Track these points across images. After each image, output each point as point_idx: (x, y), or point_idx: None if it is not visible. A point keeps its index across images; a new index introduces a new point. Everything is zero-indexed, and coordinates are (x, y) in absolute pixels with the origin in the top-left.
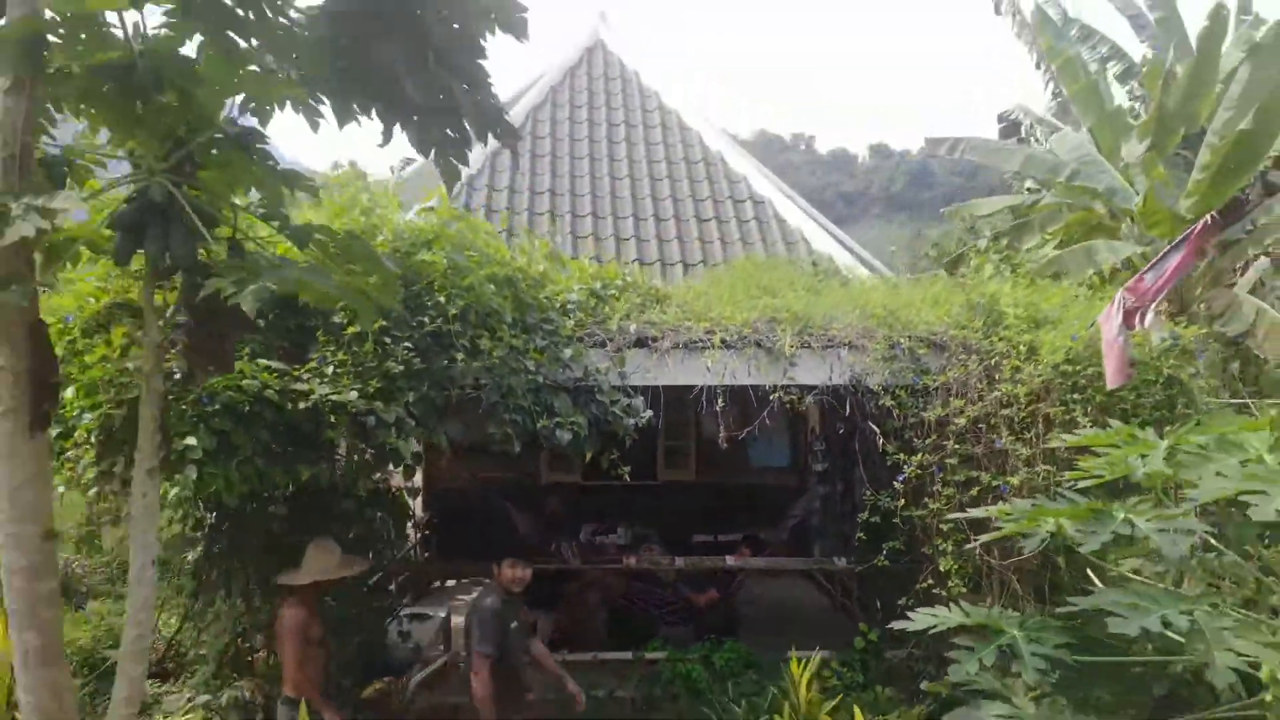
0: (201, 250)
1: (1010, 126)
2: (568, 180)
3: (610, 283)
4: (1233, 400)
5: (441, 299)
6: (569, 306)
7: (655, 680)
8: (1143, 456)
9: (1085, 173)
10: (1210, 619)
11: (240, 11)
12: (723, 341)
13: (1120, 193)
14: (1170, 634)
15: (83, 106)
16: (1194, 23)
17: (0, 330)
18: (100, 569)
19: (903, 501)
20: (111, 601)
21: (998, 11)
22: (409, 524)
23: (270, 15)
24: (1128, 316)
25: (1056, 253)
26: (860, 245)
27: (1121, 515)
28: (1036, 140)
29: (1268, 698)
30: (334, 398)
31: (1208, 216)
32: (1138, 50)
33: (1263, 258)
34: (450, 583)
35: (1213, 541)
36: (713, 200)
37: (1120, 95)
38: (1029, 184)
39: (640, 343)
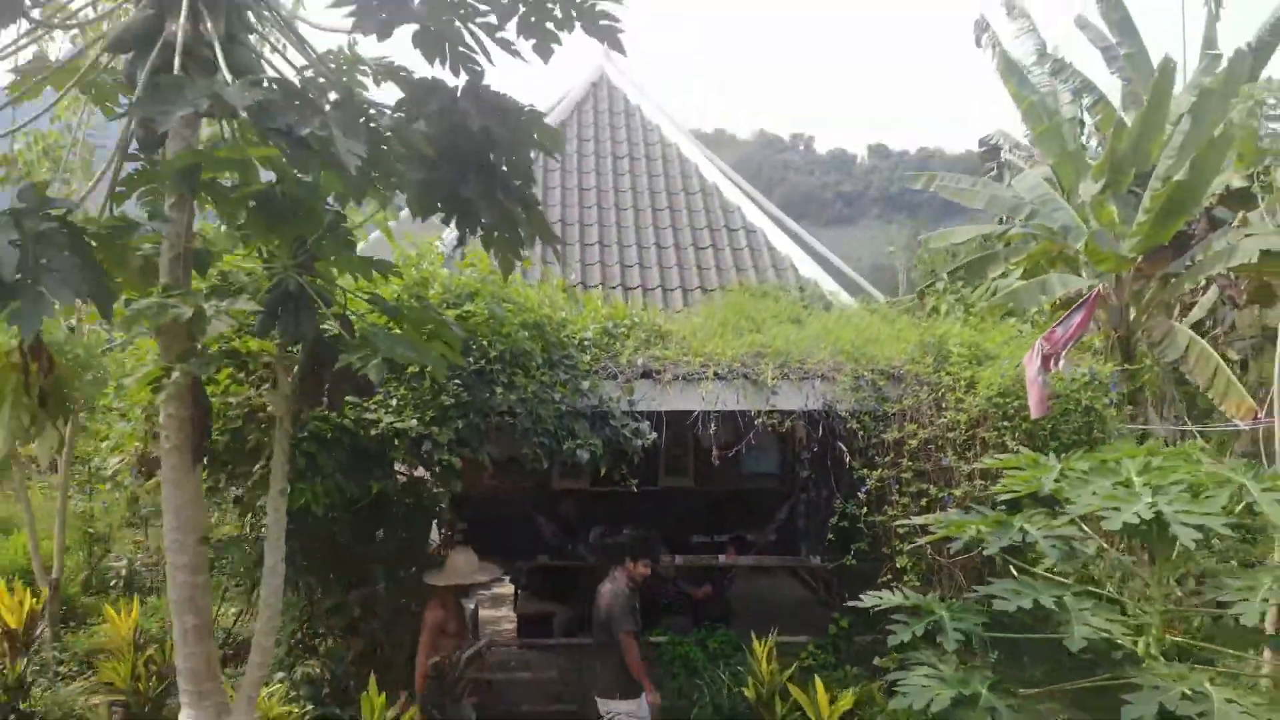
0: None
1: (990, 150)
2: (577, 211)
3: (620, 322)
4: (1145, 426)
5: (484, 343)
6: (585, 343)
7: (658, 660)
8: (1043, 477)
9: (1042, 212)
10: (1075, 601)
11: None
12: (715, 374)
13: (1074, 230)
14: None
15: (232, 218)
16: (1170, 47)
17: (173, 389)
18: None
19: (866, 509)
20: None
21: (978, 45)
22: (443, 528)
23: (386, 164)
24: (1045, 360)
25: (1022, 283)
26: (859, 246)
27: (1019, 524)
28: (1015, 161)
29: (1117, 655)
30: (397, 425)
31: (1100, 287)
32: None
33: (1212, 288)
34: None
35: (1103, 545)
36: (709, 229)
37: (1091, 124)
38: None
39: (646, 374)
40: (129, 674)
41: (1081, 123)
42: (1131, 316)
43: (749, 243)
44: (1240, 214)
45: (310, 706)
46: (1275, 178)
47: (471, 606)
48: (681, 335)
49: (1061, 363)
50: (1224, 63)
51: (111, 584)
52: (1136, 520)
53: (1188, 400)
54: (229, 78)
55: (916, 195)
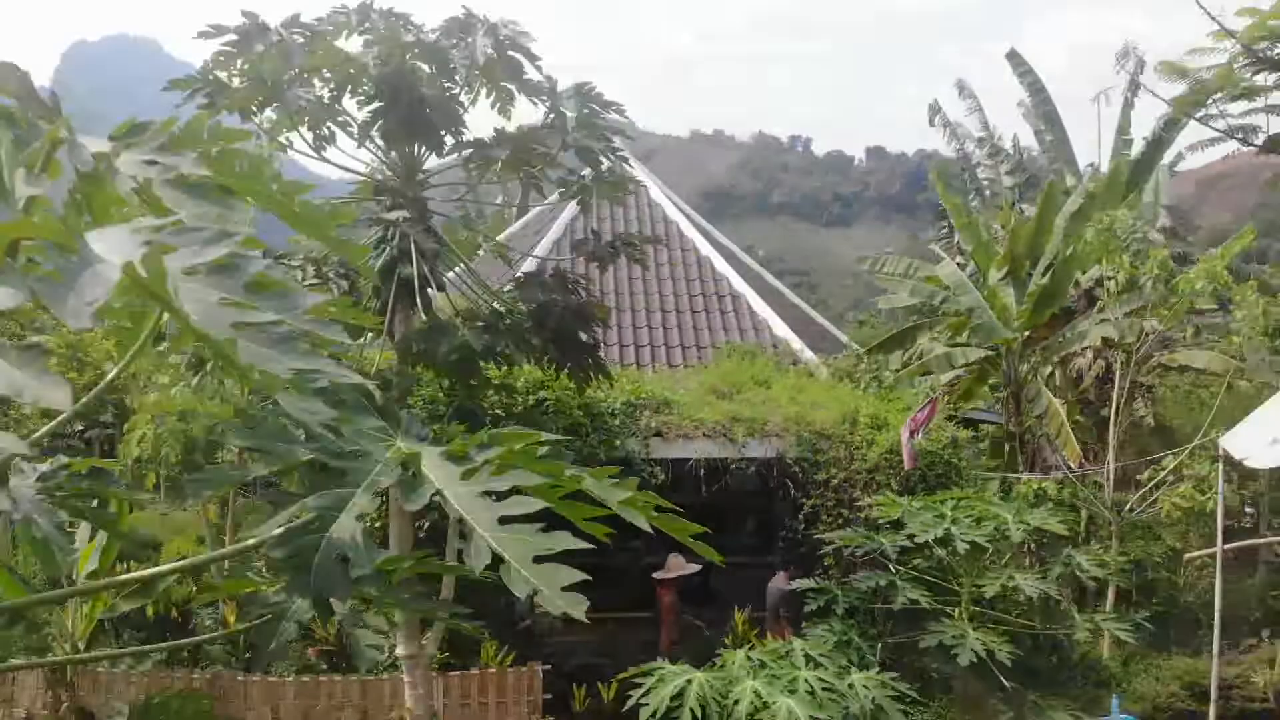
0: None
1: (942, 212)
2: (596, 284)
3: (639, 397)
4: (992, 474)
5: (556, 419)
6: (615, 412)
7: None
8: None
9: (954, 296)
10: (903, 583)
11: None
12: (703, 434)
13: (977, 310)
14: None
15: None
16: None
17: None
18: None
19: (804, 525)
20: None
21: (931, 124)
22: None
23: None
24: (910, 433)
25: (940, 350)
26: (857, 247)
27: (880, 540)
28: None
29: (929, 615)
30: None
31: (936, 394)
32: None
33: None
34: None
35: (940, 551)
36: (702, 296)
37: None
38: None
39: (657, 434)
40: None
41: (1012, 203)
42: (1020, 377)
43: (734, 307)
44: (1099, 303)
45: None
46: (1117, 281)
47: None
48: (681, 404)
49: (919, 437)
50: (1136, 145)
51: None
52: (935, 537)
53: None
54: (435, 299)
55: (914, 197)
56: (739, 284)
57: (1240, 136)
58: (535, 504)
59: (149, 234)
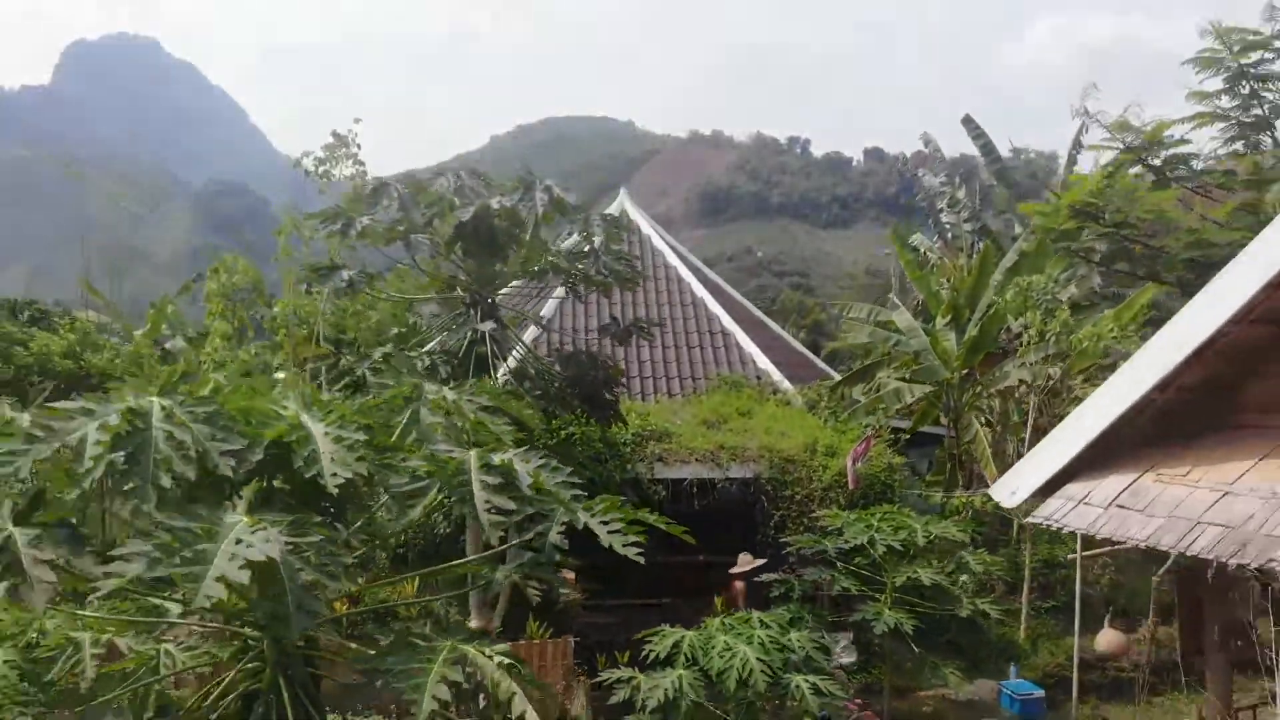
0: None
1: (911, 249)
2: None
3: (645, 429)
4: (934, 489)
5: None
6: (627, 441)
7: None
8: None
9: (905, 340)
10: (839, 575)
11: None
12: (695, 459)
13: (924, 353)
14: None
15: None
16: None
17: None
18: None
19: (774, 530)
20: None
21: (901, 176)
22: None
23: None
24: (853, 461)
25: (894, 384)
26: (854, 249)
27: (825, 543)
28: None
29: (865, 602)
30: None
31: (871, 431)
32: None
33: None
34: None
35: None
36: (697, 333)
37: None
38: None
39: (660, 459)
40: None
41: (971, 246)
42: (959, 408)
43: (725, 343)
44: (1018, 350)
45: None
46: (1029, 334)
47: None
48: (678, 434)
49: (859, 465)
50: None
51: None
52: (861, 541)
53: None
54: (507, 367)
55: (912, 198)
56: (729, 322)
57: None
58: (619, 523)
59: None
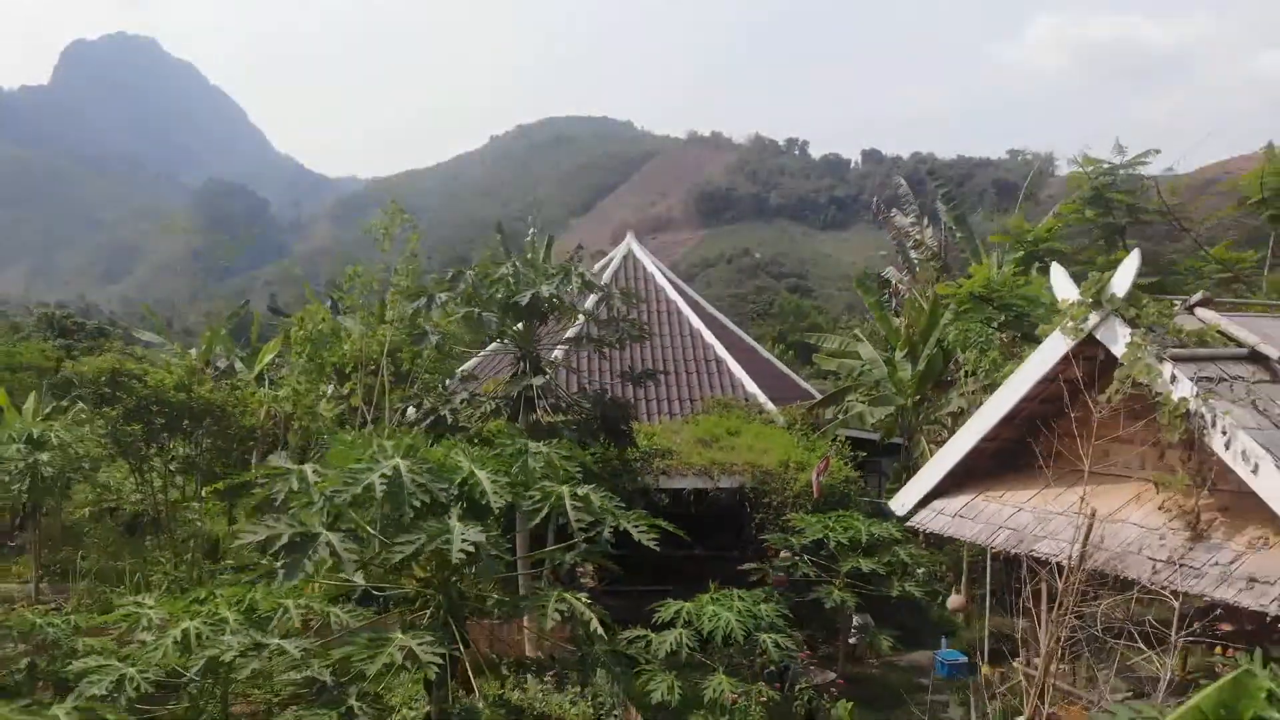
0: None
1: (883, 282)
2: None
3: (650, 448)
4: (874, 499)
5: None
6: (637, 458)
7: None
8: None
9: (869, 369)
10: (802, 565)
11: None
12: (692, 473)
13: (883, 382)
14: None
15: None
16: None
17: None
18: None
19: (755, 530)
20: None
21: (874, 219)
22: None
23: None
24: (817, 475)
25: (859, 408)
26: (852, 250)
27: (791, 540)
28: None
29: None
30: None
31: (829, 452)
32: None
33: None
34: None
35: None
36: (693, 361)
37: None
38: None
39: (663, 473)
40: None
41: (935, 280)
42: (911, 428)
43: (718, 369)
44: (958, 381)
45: None
46: (967, 370)
47: None
48: (677, 451)
49: (822, 479)
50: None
51: None
52: (819, 537)
53: None
54: (548, 404)
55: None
56: (721, 351)
57: None
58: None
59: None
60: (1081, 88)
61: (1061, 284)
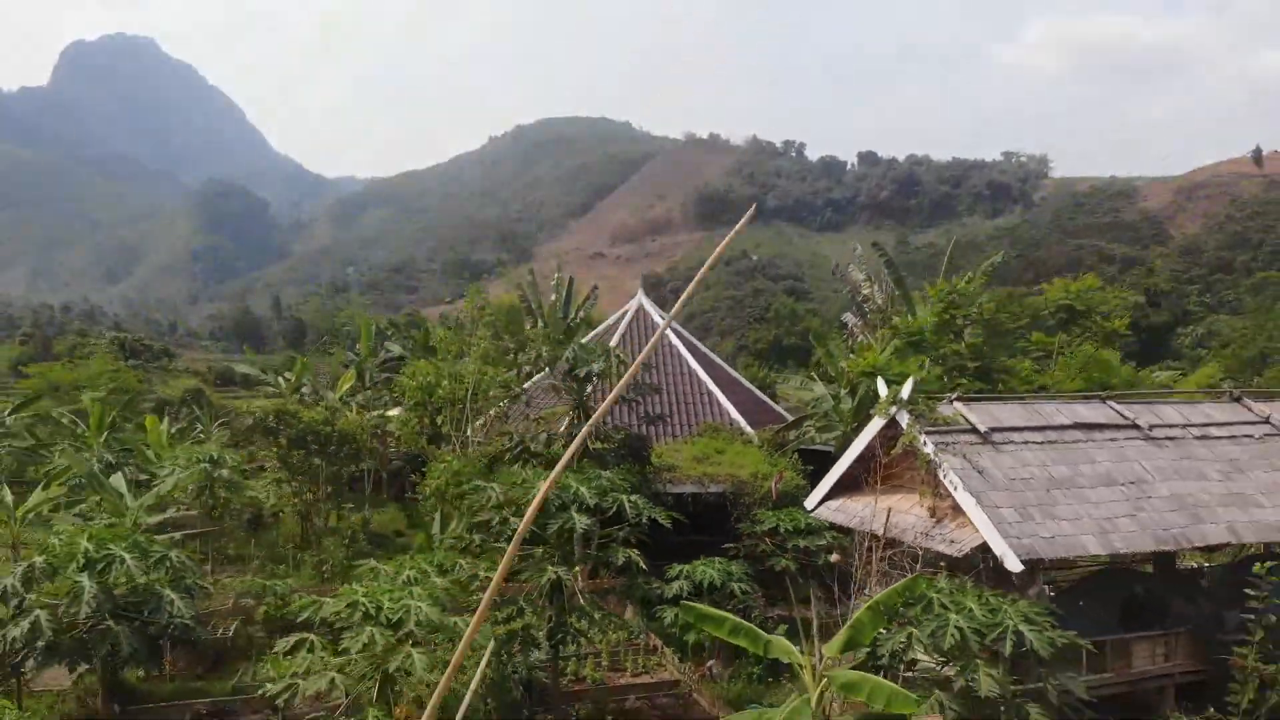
0: None
1: (858, 308)
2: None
3: (659, 463)
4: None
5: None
6: (650, 470)
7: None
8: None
9: (819, 403)
10: (762, 546)
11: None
12: (690, 482)
13: (830, 413)
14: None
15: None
16: None
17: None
18: None
19: (735, 522)
20: None
21: (834, 274)
22: None
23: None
24: (775, 483)
25: (814, 433)
26: (849, 252)
27: (758, 529)
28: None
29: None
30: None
31: (777, 479)
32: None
33: None
34: None
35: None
36: (690, 393)
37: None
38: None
39: (669, 481)
40: None
41: (882, 322)
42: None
43: (708, 401)
44: None
45: None
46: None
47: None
48: (679, 465)
49: (779, 486)
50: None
51: None
52: (774, 525)
53: None
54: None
55: (905, 202)
56: (712, 386)
57: None
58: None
59: None
60: (1081, 88)
61: (881, 388)
